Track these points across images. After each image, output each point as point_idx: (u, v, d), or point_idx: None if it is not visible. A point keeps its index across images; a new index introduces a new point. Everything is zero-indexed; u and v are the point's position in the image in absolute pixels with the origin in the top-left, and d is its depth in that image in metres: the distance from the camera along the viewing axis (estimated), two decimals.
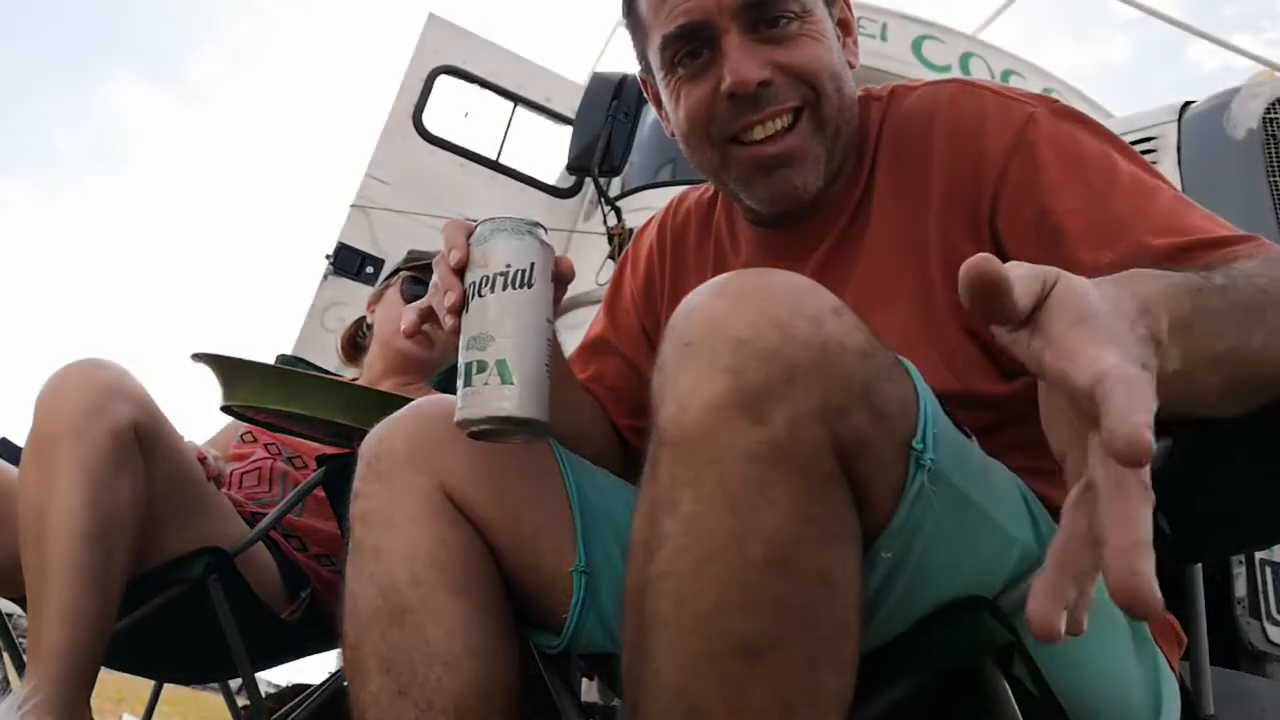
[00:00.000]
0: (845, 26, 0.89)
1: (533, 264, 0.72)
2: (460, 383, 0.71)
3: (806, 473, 0.55)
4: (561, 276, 0.76)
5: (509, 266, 0.72)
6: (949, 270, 0.78)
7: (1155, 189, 0.72)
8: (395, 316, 1.72)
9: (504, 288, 0.71)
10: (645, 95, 0.97)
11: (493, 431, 0.72)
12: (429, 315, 0.77)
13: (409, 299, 1.73)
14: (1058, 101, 0.81)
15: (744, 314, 0.57)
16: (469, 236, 0.75)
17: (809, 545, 0.55)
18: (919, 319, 0.80)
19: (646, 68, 0.93)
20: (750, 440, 0.54)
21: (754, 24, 0.81)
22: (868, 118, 0.88)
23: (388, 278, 1.85)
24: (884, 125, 0.87)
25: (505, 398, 0.69)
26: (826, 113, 0.82)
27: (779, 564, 0.54)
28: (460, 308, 0.72)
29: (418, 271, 1.76)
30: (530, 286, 0.72)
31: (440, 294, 0.74)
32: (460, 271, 0.74)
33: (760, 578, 0.54)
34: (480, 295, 0.72)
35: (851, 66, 0.87)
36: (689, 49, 0.83)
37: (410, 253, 1.87)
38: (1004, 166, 0.77)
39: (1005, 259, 0.75)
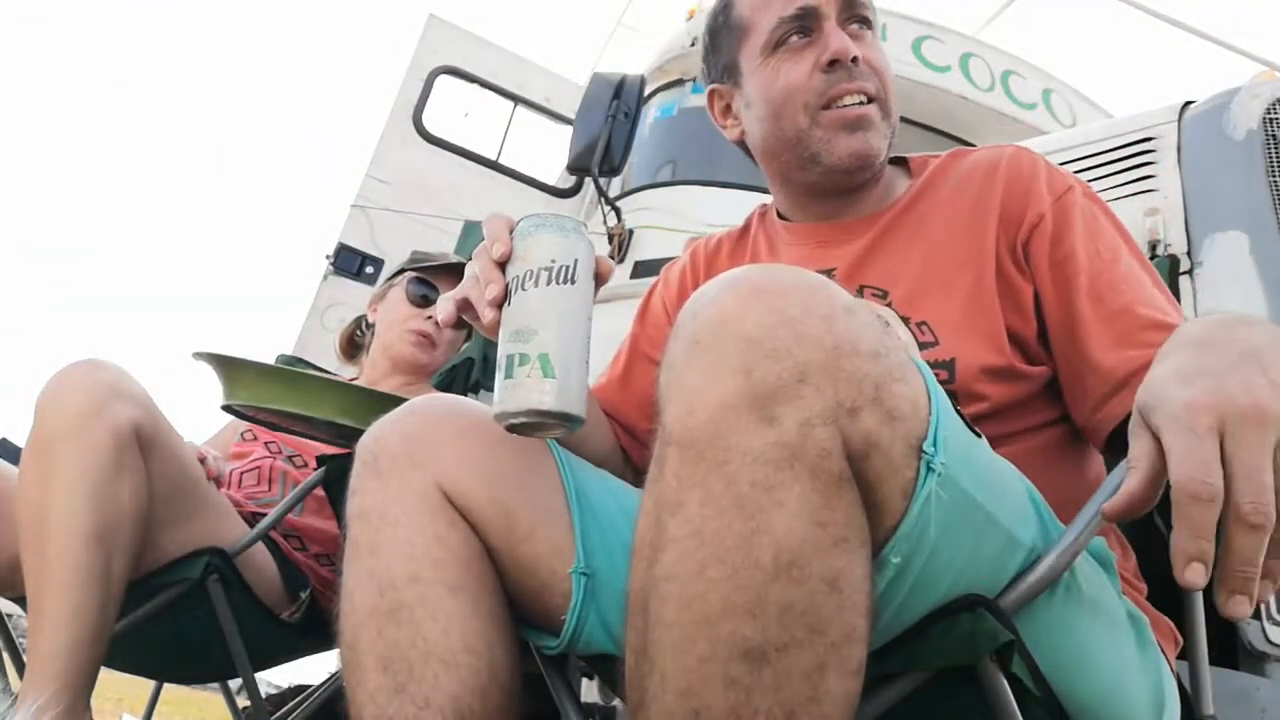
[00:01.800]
0: None
1: (576, 260, 0.72)
2: (501, 375, 0.71)
3: (816, 475, 0.55)
4: (601, 276, 0.76)
5: (554, 262, 0.72)
6: (999, 277, 0.89)
7: (1143, 277, 0.87)
8: (399, 318, 1.73)
9: (548, 283, 0.71)
10: (709, 110, 1.09)
11: (530, 425, 0.72)
12: (466, 306, 0.77)
13: (413, 300, 1.73)
14: (1088, 187, 0.95)
15: (754, 311, 0.56)
16: (512, 231, 0.75)
17: (818, 549, 0.54)
18: (971, 309, 0.87)
19: (727, 76, 1.05)
20: (760, 442, 0.54)
21: (848, 19, 0.97)
22: (924, 165, 1.01)
23: (391, 278, 1.84)
24: (939, 168, 1.00)
25: (546, 391, 0.69)
26: (890, 104, 0.97)
27: (787, 568, 0.54)
28: (502, 301, 0.73)
29: (422, 272, 1.76)
30: (573, 283, 0.72)
31: (481, 286, 0.74)
32: (502, 265, 0.74)
33: (767, 581, 0.54)
34: (523, 289, 0.72)
35: None
36: (799, 28, 0.97)
37: (414, 253, 1.87)
38: (1043, 212, 0.90)
39: (1028, 276, 0.88)
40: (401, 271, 1.81)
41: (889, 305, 0.90)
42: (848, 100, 0.95)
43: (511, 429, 0.73)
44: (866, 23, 0.98)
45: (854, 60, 0.94)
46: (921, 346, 0.86)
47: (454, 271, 1.76)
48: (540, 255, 0.72)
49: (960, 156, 1.00)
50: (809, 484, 0.54)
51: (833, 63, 0.94)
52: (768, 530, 0.54)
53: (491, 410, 0.72)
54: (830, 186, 0.99)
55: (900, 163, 1.04)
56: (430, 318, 1.70)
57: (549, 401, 0.69)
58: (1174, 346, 0.61)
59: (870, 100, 0.95)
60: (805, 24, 0.97)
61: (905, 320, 0.88)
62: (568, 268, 0.72)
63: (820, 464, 0.55)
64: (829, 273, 0.94)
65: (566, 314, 0.71)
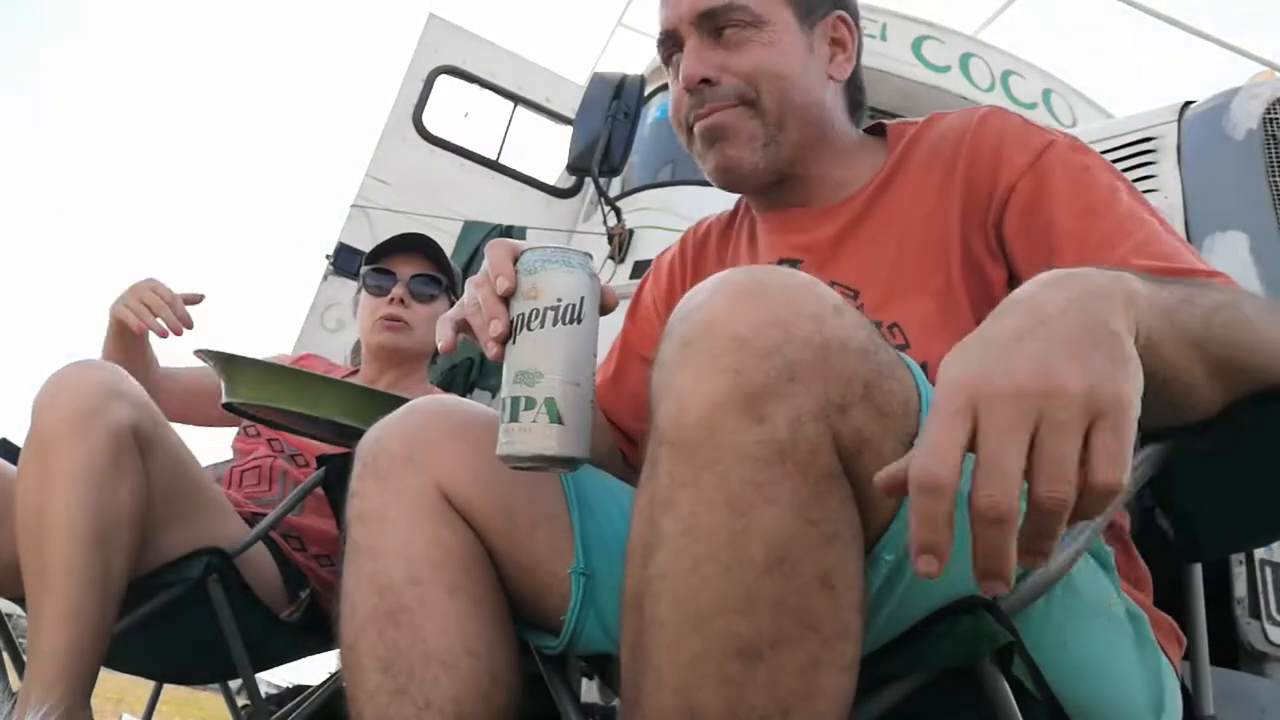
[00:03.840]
0: (840, 44, 0.98)
1: (583, 298, 0.71)
2: (506, 417, 0.70)
3: (807, 472, 0.55)
4: (606, 308, 0.75)
5: (560, 301, 0.70)
6: (966, 272, 0.84)
7: (1146, 220, 0.78)
8: (367, 312, 1.74)
9: (554, 323, 0.70)
10: None
11: (535, 468, 0.72)
12: (464, 327, 0.76)
13: (372, 291, 1.74)
14: (1076, 139, 0.86)
15: (744, 312, 0.57)
16: (515, 261, 0.73)
17: (809, 546, 0.55)
18: (940, 308, 0.83)
19: None
20: (750, 440, 0.55)
21: (707, 31, 0.93)
22: (900, 138, 0.95)
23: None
24: (912, 140, 0.93)
25: (552, 437, 0.68)
26: (765, 103, 0.92)
27: (778, 565, 0.54)
28: (506, 338, 0.71)
29: (375, 261, 1.77)
30: (580, 322, 0.71)
31: (484, 320, 0.72)
32: (505, 299, 0.72)
33: (759, 579, 0.54)
34: (529, 328, 0.70)
35: (832, 78, 0.96)
36: (669, 52, 0.98)
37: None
38: (1017, 180, 0.83)
39: (1008, 262, 0.82)
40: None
41: (859, 308, 0.86)
42: (704, 119, 0.93)
43: (515, 469, 0.72)
44: (733, 26, 0.92)
45: (706, 80, 0.91)
46: None
47: (406, 248, 1.76)
48: (547, 294, 0.71)
49: (935, 122, 0.94)
50: (799, 481, 0.55)
51: (687, 87, 0.93)
52: (758, 527, 0.54)
53: (496, 450, 0.71)
54: (746, 190, 0.99)
55: (880, 131, 0.99)
56: (392, 300, 1.71)
57: (555, 447, 0.68)
58: (994, 311, 0.56)
59: (736, 105, 0.92)
60: (673, 47, 0.96)
61: (876, 325, 0.86)
62: (574, 306, 0.71)
63: (811, 461, 0.55)
64: (795, 264, 0.92)
65: (573, 355, 0.70)
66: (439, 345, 0.77)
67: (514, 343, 0.71)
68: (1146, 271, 0.70)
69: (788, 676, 0.54)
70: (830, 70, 0.96)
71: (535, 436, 0.69)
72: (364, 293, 1.76)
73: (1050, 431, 0.47)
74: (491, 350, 0.72)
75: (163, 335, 1.43)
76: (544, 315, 0.70)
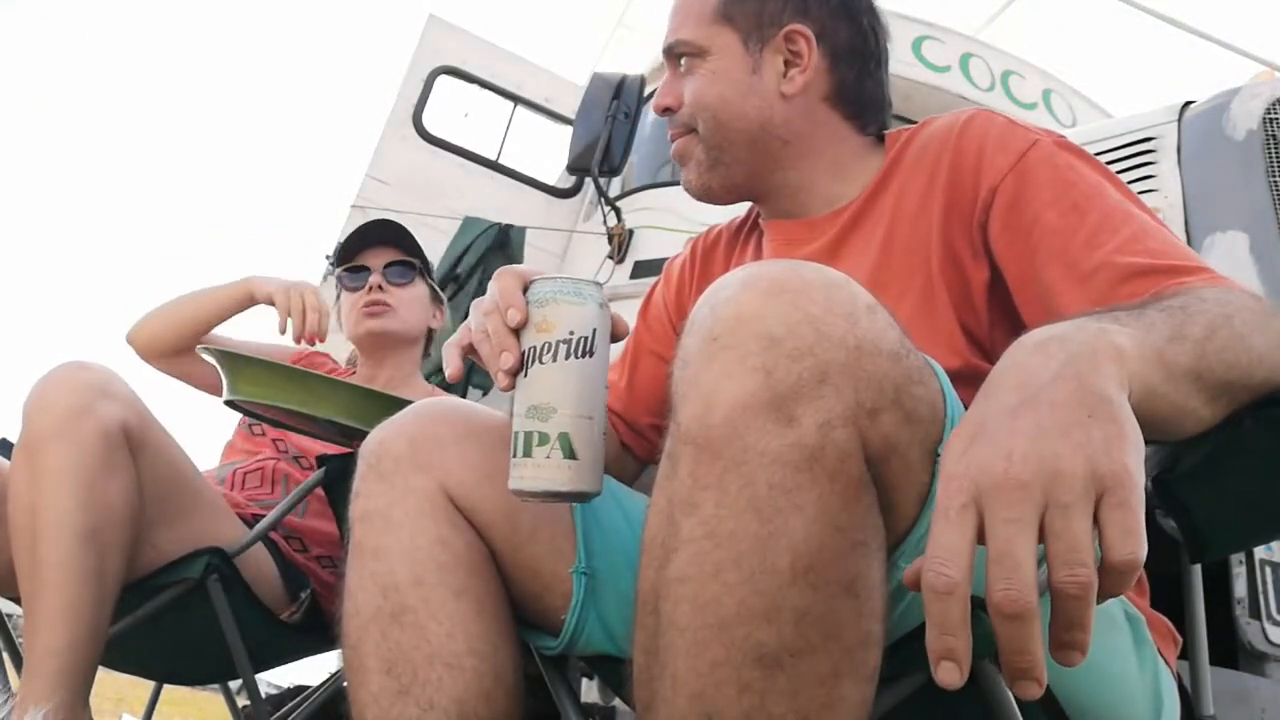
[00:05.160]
0: (795, 59, 0.94)
1: (595, 330, 0.70)
2: (518, 451, 0.69)
3: (835, 478, 0.54)
4: (616, 337, 0.74)
5: (572, 334, 0.69)
6: (947, 271, 0.84)
7: (1133, 215, 0.77)
8: (347, 309, 1.75)
9: (566, 356, 0.69)
10: None
11: (548, 501, 0.72)
12: (469, 350, 0.75)
13: (349, 287, 1.75)
14: (1064, 137, 0.85)
15: (776, 309, 0.55)
16: (525, 290, 0.72)
17: (836, 553, 0.54)
18: (921, 310, 0.83)
19: None
20: (779, 443, 0.53)
21: (673, 63, 0.99)
22: (893, 145, 0.95)
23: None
24: (904, 147, 0.93)
25: (566, 472, 0.67)
26: (703, 132, 0.95)
27: (804, 572, 0.53)
28: (518, 370, 0.70)
29: (342, 258, 1.77)
30: (592, 355, 0.69)
31: (495, 351, 0.71)
32: (515, 330, 0.71)
33: (784, 586, 0.53)
34: (540, 362, 0.69)
35: (784, 96, 0.94)
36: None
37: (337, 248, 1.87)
38: (1000, 181, 0.82)
39: (993, 263, 0.82)
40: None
41: None
42: (672, 144, 0.99)
43: (525, 500, 0.72)
44: (682, 57, 0.97)
45: (668, 109, 0.98)
46: None
47: (372, 243, 1.77)
48: (559, 327, 0.69)
49: (926, 126, 0.93)
50: (828, 487, 0.54)
51: None
52: (786, 534, 0.53)
53: (509, 484, 0.70)
54: (722, 203, 1.02)
55: (881, 136, 0.99)
56: (370, 289, 1.70)
57: (569, 482, 0.68)
58: (984, 385, 0.54)
59: (687, 132, 0.97)
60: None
61: None
62: (586, 339, 0.69)
63: (840, 467, 0.54)
64: None
65: (585, 387, 0.69)
66: (446, 373, 0.77)
67: (525, 375, 0.70)
68: (1132, 270, 0.72)
69: (809, 686, 0.54)
70: (783, 88, 0.93)
71: (549, 472, 0.68)
72: (343, 293, 1.77)
73: (1057, 516, 0.46)
74: (502, 382, 0.70)
75: (309, 341, 1.56)
76: (556, 349, 0.69)
